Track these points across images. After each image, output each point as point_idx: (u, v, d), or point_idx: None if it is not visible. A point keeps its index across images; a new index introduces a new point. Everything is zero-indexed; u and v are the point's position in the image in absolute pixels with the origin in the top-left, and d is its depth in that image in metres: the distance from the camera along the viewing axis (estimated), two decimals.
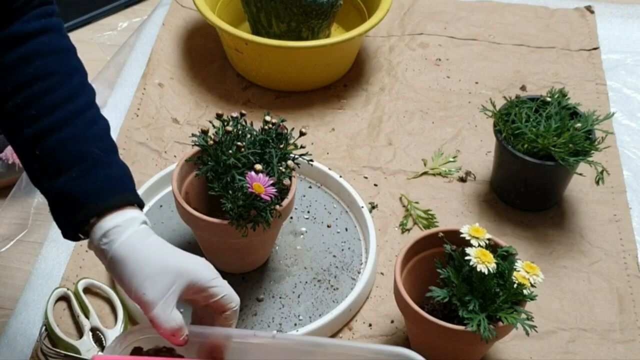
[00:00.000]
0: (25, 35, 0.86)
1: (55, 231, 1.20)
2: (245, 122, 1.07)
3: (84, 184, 0.85)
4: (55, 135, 0.86)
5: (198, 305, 0.90)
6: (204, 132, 1.06)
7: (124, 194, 0.88)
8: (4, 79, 0.86)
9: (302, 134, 1.08)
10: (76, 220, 0.86)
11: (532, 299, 0.96)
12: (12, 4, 0.86)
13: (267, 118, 1.06)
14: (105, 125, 0.91)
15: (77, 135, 0.87)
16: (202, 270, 0.86)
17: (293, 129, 1.09)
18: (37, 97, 0.86)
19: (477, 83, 1.46)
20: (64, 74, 0.88)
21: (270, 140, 1.05)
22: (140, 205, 0.90)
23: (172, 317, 0.84)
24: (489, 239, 0.99)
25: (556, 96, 1.22)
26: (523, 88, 1.44)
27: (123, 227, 0.85)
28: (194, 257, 0.88)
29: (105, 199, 0.86)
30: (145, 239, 0.86)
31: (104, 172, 0.87)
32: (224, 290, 0.87)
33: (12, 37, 0.86)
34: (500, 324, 0.95)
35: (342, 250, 1.18)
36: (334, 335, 1.09)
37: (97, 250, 0.87)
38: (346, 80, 1.47)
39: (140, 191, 1.21)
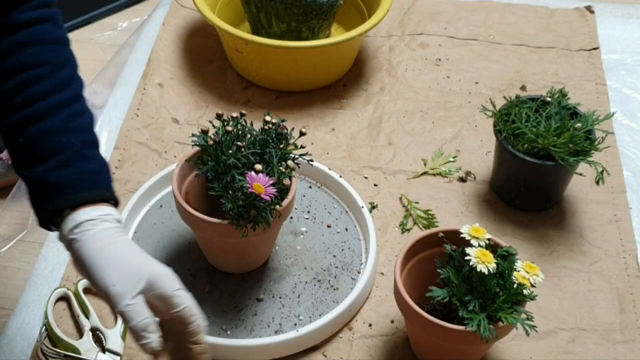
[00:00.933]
0: (19, 24, 0.87)
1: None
2: (245, 122, 1.07)
3: (61, 174, 0.86)
4: (39, 124, 0.86)
5: (162, 319, 0.86)
6: (204, 132, 1.06)
7: (100, 189, 0.88)
8: None
9: (302, 134, 1.08)
10: (48, 209, 0.86)
11: (532, 299, 0.96)
12: None
13: (267, 118, 1.06)
14: (89, 119, 0.91)
15: (60, 126, 0.87)
16: (168, 278, 0.85)
17: (293, 129, 1.09)
18: (25, 85, 0.86)
19: (477, 83, 1.46)
20: (55, 64, 0.88)
21: (270, 140, 1.05)
22: (116, 203, 0.90)
23: (144, 310, 0.82)
24: (489, 239, 0.99)
25: (556, 96, 1.22)
26: (523, 88, 1.44)
27: (97, 221, 0.85)
28: (162, 265, 0.87)
29: (80, 191, 0.86)
30: (117, 237, 0.86)
31: (82, 165, 0.87)
32: (186, 302, 0.85)
33: (6, 26, 0.86)
34: (500, 324, 0.95)
35: (342, 250, 1.18)
36: (334, 335, 1.09)
37: (67, 242, 0.86)
38: (346, 80, 1.47)
39: (140, 191, 1.21)
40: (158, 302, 0.84)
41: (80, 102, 0.90)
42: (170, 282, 0.85)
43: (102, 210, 0.86)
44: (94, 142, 0.90)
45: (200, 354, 0.86)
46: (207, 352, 0.87)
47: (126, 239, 0.87)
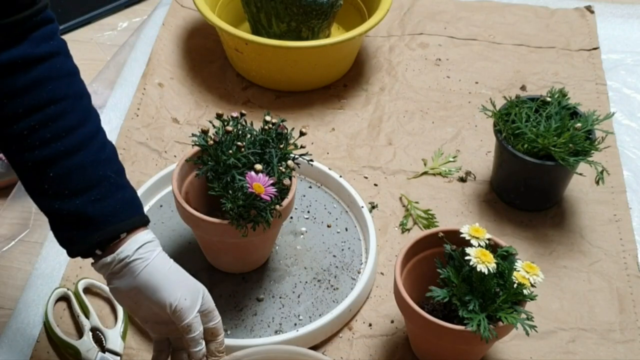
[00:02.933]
0: (36, 59, 0.87)
1: None
2: (245, 122, 1.07)
3: (102, 205, 0.89)
4: (71, 158, 0.88)
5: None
6: (204, 132, 1.06)
7: (138, 216, 0.92)
8: (14, 101, 0.86)
9: (302, 134, 1.08)
10: (93, 240, 0.88)
11: (532, 299, 0.96)
12: (14, 15, 0.85)
13: (267, 118, 1.06)
14: (112, 148, 0.94)
15: (92, 159, 0.89)
16: (208, 295, 0.94)
17: (293, 129, 1.09)
18: (51, 120, 0.87)
19: (477, 83, 1.46)
20: (74, 97, 0.90)
21: (270, 140, 1.05)
22: (147, 224, 0.94)
23: (201, 322, 0.92)
24: (489, 239, 0.99)
25: (556, 96, 1.22)
26: (523, 88, 1.44)
27: (155, 243, 0.91)
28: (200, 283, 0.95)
29: (127, 218, 0.90)
30: (169, 261, 0.93)
31: (121, 195, 0.91)
32: (219, 317, 0.94)
33: (24, 60, 0.86)
34: (500, 324, 0.95)
35: (342, 250, 1.18)
36: (334, 335, 1.09)
37: (119, 267, 0.89)
38: (346, 80, 1.47)
39: (140, 191, 1.21)
40: (201, 316, 0.93)
41: (102, 132, 0.93)
42: (210, 299, 0.94)
43: (147, 236, 0.91)
44: (122, 171, 0.94)
45: None
46: None
47: (174, 263, 0.93)
